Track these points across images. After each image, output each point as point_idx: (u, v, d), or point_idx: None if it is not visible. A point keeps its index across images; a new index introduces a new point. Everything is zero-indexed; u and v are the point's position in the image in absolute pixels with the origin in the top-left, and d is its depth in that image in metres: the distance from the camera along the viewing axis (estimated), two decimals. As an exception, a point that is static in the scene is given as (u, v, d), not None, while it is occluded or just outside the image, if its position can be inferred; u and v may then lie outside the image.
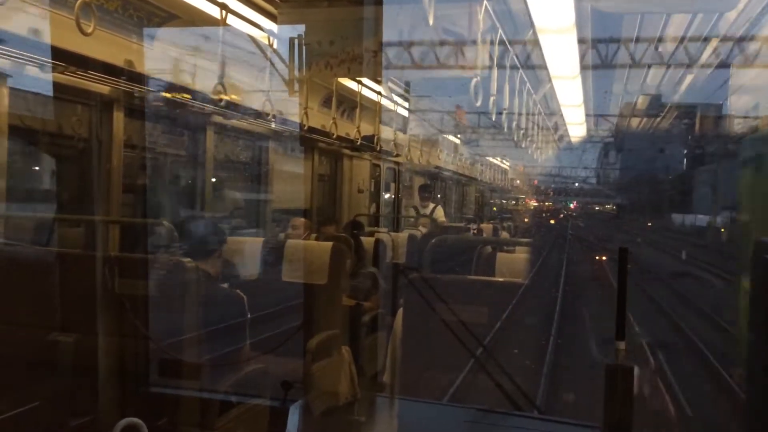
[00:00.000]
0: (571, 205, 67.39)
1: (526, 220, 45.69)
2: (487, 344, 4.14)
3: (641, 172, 58.67)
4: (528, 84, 10.99)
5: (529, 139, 15.10)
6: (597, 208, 71.22)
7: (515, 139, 13.88)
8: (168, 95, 5.29)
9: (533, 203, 58.73)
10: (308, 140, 7.24)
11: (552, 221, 56.45)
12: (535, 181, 51.34)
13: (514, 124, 11.13)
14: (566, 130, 19.47)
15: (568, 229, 47.63)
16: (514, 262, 5.46)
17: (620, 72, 14.81)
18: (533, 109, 13.38)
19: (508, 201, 49.54)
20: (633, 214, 64.25)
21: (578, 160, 51.88)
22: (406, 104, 10.57)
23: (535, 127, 15.28)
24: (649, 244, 35.00)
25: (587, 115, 16.62)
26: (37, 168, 5.51)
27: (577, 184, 60.35)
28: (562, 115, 15.55)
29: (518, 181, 46.72)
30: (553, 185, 59.33)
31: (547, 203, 62.85)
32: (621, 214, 66.39)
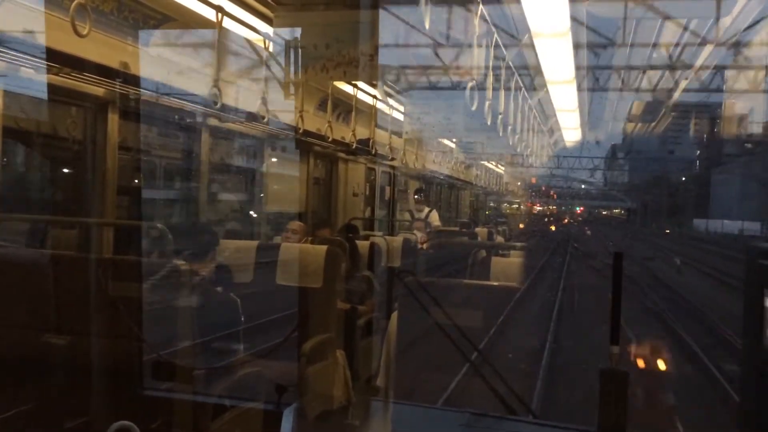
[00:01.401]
0: (577, 210, 61.58)
1: (521, 226, 39.94)
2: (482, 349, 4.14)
3: (655, 172, 52.79)
4: (524, 89, 11.02)
5: (524, 143, 15.12)
6: (604, 213, 65.54)
7: (511, 142, 13.89)
8: (163, 97, 5.29)
9: (535, 207, 53.86)
10: (303, 143, 7.23)
11: (552, 228, 48.84)
12: (533, 180, 46.68)
13: (510, 127, 11.16)
14: (568, 132, 19.39)
15: (571, 239, 37.98)
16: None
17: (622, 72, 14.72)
18: (529, 114, 13.42)
19: (508, 205, 46.89)
20: (646, 218, 57.31)
21: (583, 163, 46.12)
22: (402, 108, 10.59)
23: (531, 132, 15.31)
24: (691, 265, 23.88)
25: (585, 120, 16.54)
26: (30, 170, 5.50)
27: (583, 186, 54.70)
28: (563, 118, 15.57)
29: (518, 183, 42.84)
30: (554, 188, 53.93)
31: (550, 207, 57.65)
32: (632, 218, 59.90)
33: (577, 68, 10.17)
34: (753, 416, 2.00)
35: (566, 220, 58.05)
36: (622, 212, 63.75)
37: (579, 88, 12.13)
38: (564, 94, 12.28)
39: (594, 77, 13.23)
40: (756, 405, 1.96)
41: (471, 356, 4.46)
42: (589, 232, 46.38)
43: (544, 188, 52.09)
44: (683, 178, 51.77)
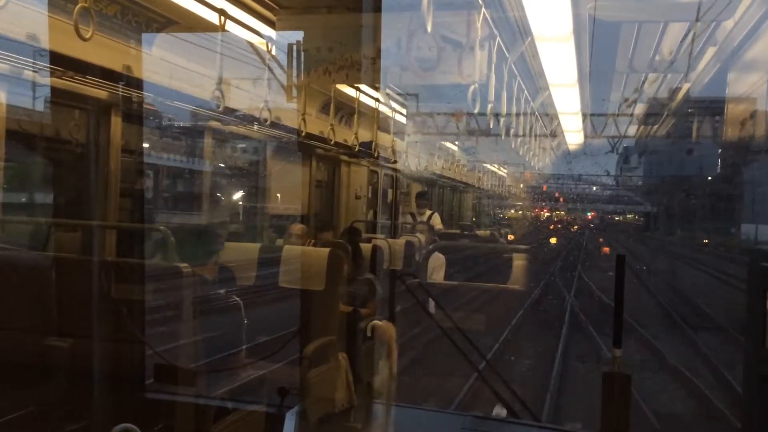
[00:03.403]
0: (588, 215, 52.76)
1: (511, 237, 29.24)
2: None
3: (674, 173, 41.87)
4: (526, 92, 11.02)
5: (526, 146, 15.10)
6: (617, 218, 55.67)
7: (514, 145, 13.87)
8: (166, 100, 5.30)
9: (543, 213, 47.44)
10: (306, 146, 7.25)
11: (553, 240, 37.55)
12: (528, 174, 37.07)
13: (512, 130, 11.15)
14: (571, 135, 19.20)
15: (579, 260, 26.46)
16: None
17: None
18: (531, 116, 13.40)
19: (513, 210, 42.05)
20: (670, 225, 45.66)
21: (593, 161, 36.69)
22: (404, 110, 10.60)
23: (534, 134, 15.26)
24: None
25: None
26: (34, 172, 5.51)
27: (594, 188, 46.38)
28: (566, 121, 15.52)
29: (521, 186, 38.93)
30: (561, 191, 46.15)
31: (557, 212, 50.03)
32: (652, 225, 49.01)
33: (580, 70, 10.18)
34: (755, 419, 2.00)
35: (575, 228, 49.92)
36: (636, 217, 53.94)
37: (582, 90, 12.13)
38: (567, 97, 12.29)
39: (596, 79, 13.18)
40: (758, 407, 1.97)
41: (468, 356, 4.45)
42: (606, 248, 32.94)
43: (545, 188, 45.03)
44: (709, 178, 41.46)
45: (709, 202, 41.32)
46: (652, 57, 11.79)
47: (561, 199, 47.35)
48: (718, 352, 10.75)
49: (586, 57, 10.52)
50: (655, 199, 47.43)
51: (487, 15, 5.76)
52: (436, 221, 9.92)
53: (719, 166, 40.99)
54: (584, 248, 31.93)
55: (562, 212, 50.86)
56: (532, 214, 46.03)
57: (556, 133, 19.22)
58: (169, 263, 3.82)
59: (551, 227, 46.56)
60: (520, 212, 43.79)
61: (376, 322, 3.97)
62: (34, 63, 3.88)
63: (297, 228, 6.29)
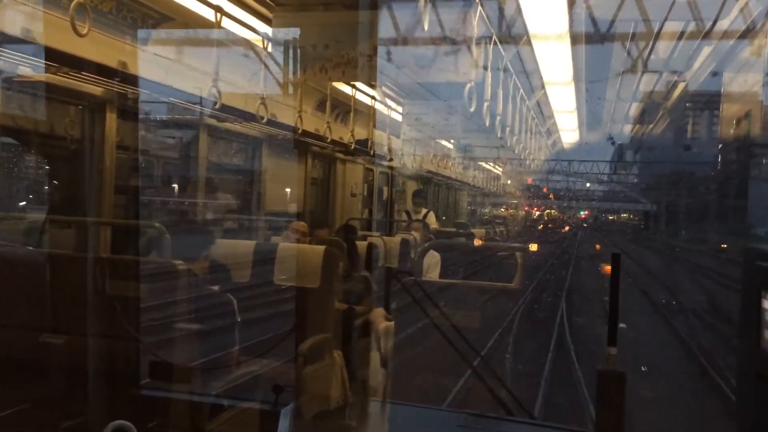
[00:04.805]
0: (582, 214, 49.61)
1: (479, 242, 18.53)
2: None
3: (673, 170, 37.81)
4: (522, 91, 11.02)
5: (522, 144, 15.11)
6: (611, 218, 52.45)
7: (509, 143, 13.89)
8: (162, 97, 5.28)
9: (535, 211, 44.91)
10: (302, 144, 7.24)
11: (534, 246, 26.66)
12: (503, 162, 32.39)
13: (508, 128, 11.15)
14: (566, 133, 19.10)
15: (563, 288, 18.31)
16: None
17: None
18: (527, 115, 13.40)
19: (505, 209, 40.49)
20: (674, 225, 39.56)
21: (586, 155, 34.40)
22: (400, 108, 10.60)
23: (529, 132, 15.25)
24: None
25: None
26: (28, 169, 5.50)
27: (588, 185, 42.87)
28: (561, 119, 15.47)
29: (509, 182, 37.20)
30: (553, 189, 42.72)
31: (549, 211, 47.18)
32: (651, 225, 43.72)
33: (576, 67, 10.16)
34: (751, 418, 2.01)
35: (567, 228, 46.66)
36: (632, 216, 49.65)
37: (577, 88, 12.11)
38: (562, 95, 12.31)
39: (593, 78, 13.04)
40: (754, 407, 1.97)
41: (465, 355, 4.46)
42: (607, 267, 11.61)
43: (530, 181, 41.70)
44: (712, 173, 36.36)
45: (716, 198, 35.80)
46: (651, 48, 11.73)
47: (551, 196, 44.24)
48: None
49: (582, 54, 10.51)
50: (656, 198, 43.03)
51: (483, 12, 5.77)
52: (432, 219, 9.93)
53: (734, 156, 34.95)
54: (574, 259, 25.96)
55: (553, 210, 48.07)
56: (520, 212, 43.60)
57: (551, 132, 19.23)
58: (164, 260, 3.81)
59: (540, 227, 43.42)
60: (510, 211, 42.05)
61: (374, 314, 3.97)
62: (29, 59, 3.86)
63: (299, 225, 6.27)
